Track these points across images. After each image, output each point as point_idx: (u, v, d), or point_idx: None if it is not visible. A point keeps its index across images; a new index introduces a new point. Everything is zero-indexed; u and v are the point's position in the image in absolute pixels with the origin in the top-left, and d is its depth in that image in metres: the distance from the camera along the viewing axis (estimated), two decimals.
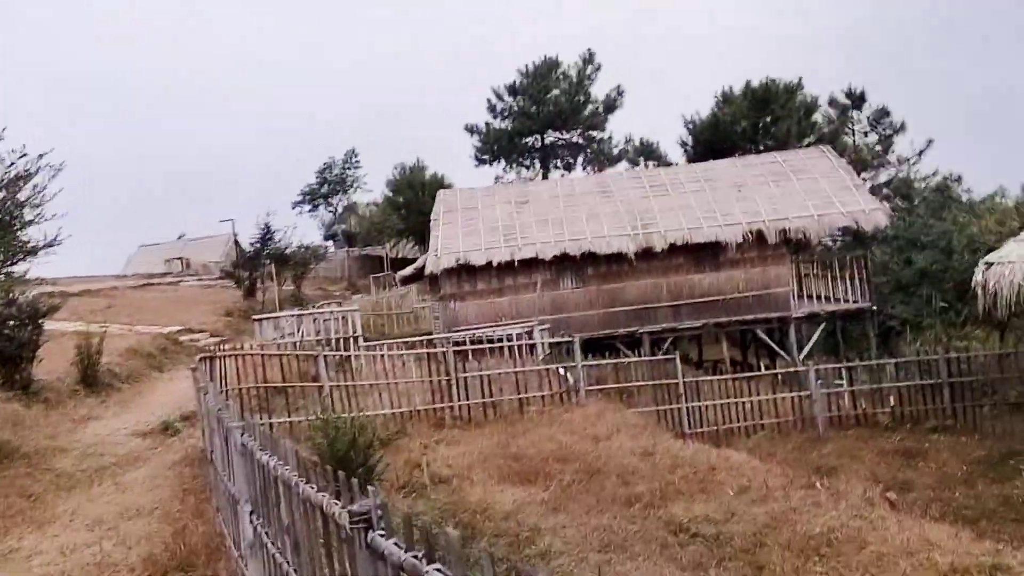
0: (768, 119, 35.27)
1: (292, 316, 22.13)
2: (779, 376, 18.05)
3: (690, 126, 38.47)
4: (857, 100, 38.91)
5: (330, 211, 50.81)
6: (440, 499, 9.93)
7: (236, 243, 64.60)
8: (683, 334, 24.72)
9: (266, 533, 4.57)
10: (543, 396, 15.08)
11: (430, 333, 29.38)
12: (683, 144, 38.74)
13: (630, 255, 23.61)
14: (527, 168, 53.52)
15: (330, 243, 55.75)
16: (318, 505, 3.15)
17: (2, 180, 9.81)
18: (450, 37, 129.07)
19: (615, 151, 51.29)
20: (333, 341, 19.99)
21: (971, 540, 6.79)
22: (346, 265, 51.28)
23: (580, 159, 52.34)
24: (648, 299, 24.14)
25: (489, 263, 23.92)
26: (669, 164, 38.62)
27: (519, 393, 14.87)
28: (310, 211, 50.33)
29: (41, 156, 10.13)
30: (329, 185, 49.44)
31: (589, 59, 50.90)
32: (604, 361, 16.74)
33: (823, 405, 15.97)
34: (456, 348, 14.78)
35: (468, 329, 23.74)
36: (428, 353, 14.59)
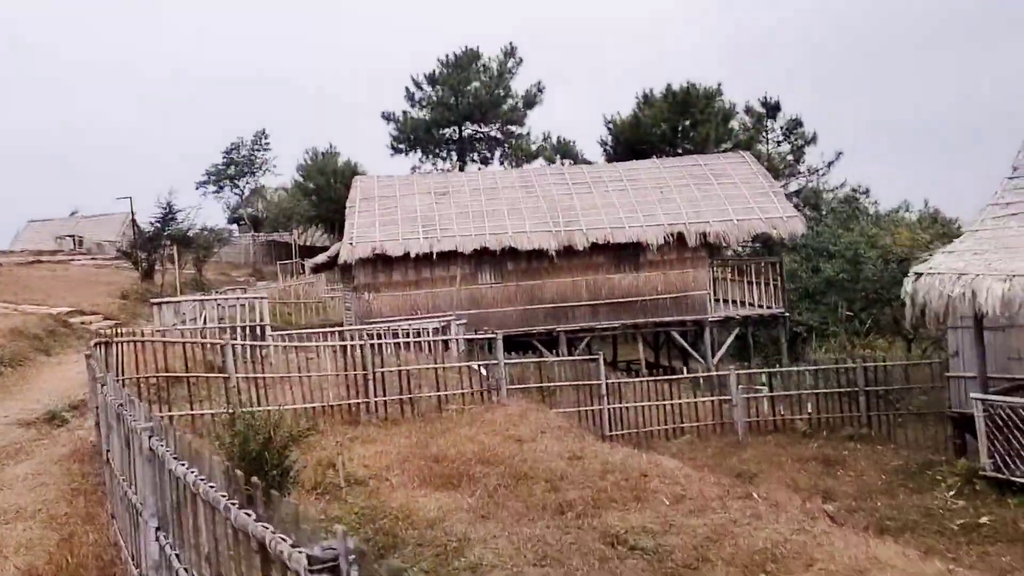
0: (688, 123, 35.59)
1: (194, 301, 20.86)
2: (700, 379, 18.01)
3: (611, 126, 38.49)
4: (772, 109, 39.76)
5: (236, 193, 48.79)
6: (357, 503, 9.26)
7: (133, 222, 61.62)
8: (600, 334, 24.57)
9: (177, 556, 3.87)
10: (463, 394, 14.51)
11: (340, 324, 28.44)
12: (603, 143, 38.78)
13: (551, 252, 23.29)
14: (443, 160, 52.76)
15: (234, 227, 53.62)
16: (259, 539, 2.52)
17: None
18: (374, 25, 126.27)
19: (533, 147, 51.02)
20: (239, 330, 18.89)
21: (919, 558, 6.60)
22: (251, 250, 49.41)
23: (498, 153, 51.95)
24: (567, 297, 23.87)
25: (407, 254, 23.18)
26: (587, 163, 38.55)
27: (438, 390, 14.26)
28: (215, 192, 48.19)
29: None
30: (236, 166, 47.44)
31: (511, 52, 50.56)
32: (527, 360, 16.30)
33: (743, 410, 15.97)
34: (373, 342, 14.03)
35: (382, 321, 22.97)
36: (342, 346, 13.80)
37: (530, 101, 51.10)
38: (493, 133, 51.92)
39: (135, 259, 31.84)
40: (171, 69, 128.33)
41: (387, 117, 51.02)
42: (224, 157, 46.10)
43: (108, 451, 6.62)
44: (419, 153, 51.58)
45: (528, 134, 52.15)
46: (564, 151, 48.72)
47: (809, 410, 16.10)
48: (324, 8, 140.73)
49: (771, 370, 17.39)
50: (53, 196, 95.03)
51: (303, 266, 44.93)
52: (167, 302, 19.74)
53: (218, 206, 46.96)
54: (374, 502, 9.33)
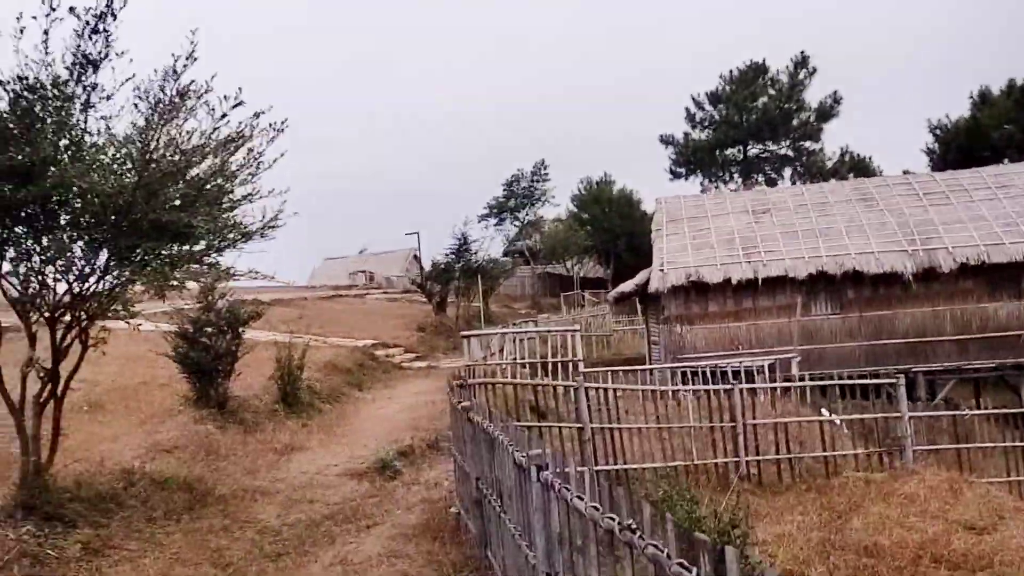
0: None
1: (501, 334, 19.42)
2: None
3: (938, 131, 33.13)
4: None
5: (516, 225, 48.56)
6: None
7: (416, 258, 64.28)
8: (970, 375, 20.01)
9: None
10: (855, 456, 11.32)
11: (640, 359, 26.06)
12: (930, 152, 33.47)
13: (907, 276, 19.28)
14: (725, 183, 49.29)
15: (507, 259, 53.73)
16: None
17: (209, 139, 7.29)
18: (649, 44, 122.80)
19: (829, 164, 46.16)
20: (549, 365, 17.01)
21: None
22: (530, 282, 48.85)
23: (787, 173, 47.64)
24: (925, 331, 19.66)
25: (727, 281, 20.28)
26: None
27: (824, 449, 11.19)
28: (496, 225, 48.30)
29: (258, 115, 7.57)
30: (516, 198, 47.25)
31: (802, 62, 46.20)
32: (941, 413, 12.71)
33: None
34: (742, 386, 11.26)
35: (697, 358, 20.21)
36: (708, 391, 11.17)
37: (825, 113, 46.34)
38: (782, 151, 47.69)
39: (428, 292, 31.68)
40: (445, 112, 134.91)
41: (666, 140, 48.68)
42: (504, 189, 46.07)
43: (488, 535, 4.43)
44: (700, 176, 48.64)
45: (822, 150, 47.39)
46: (859, 168, 43.44)
47: None
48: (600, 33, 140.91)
49: None
50: (341, 236, 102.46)
51: (583, 297, 43.50)
52: (477, 335, 18.35)
53: (497, 238, 47.02)
54: None
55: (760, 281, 20.08)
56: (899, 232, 20.12)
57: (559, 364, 17.03)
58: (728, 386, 11.09)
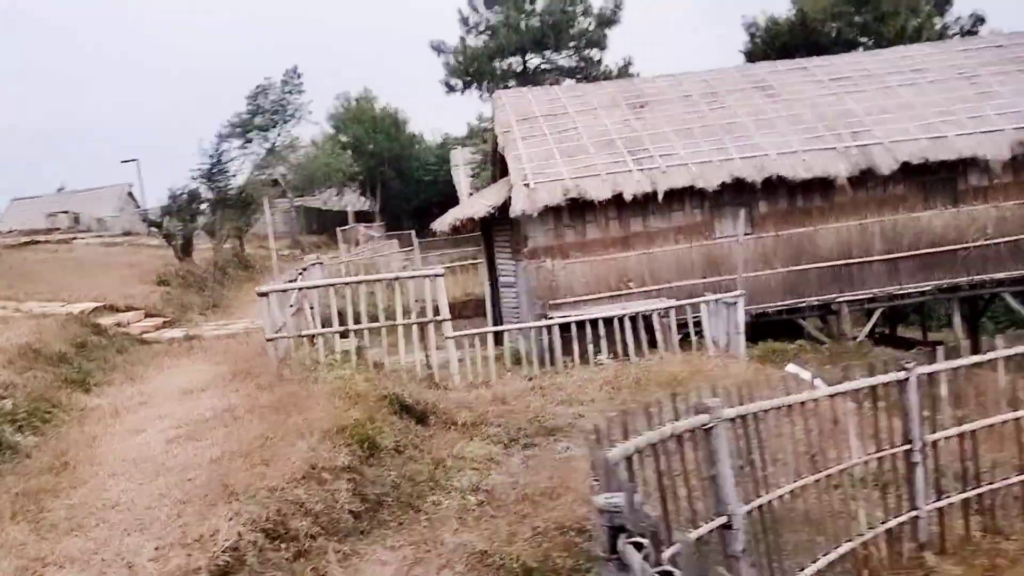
0: (871, 16, 27.17)
1: (309, 286, 12.77)
2: None
3: (754, 30, 29.96)
4: None
5: (265, 148, 40.04)
6: None
7: (131, 195, 52.81)
8: (902, 302, 16.49)
9: None
10: None
11: (474, 309, 20.27)
12: (747, 54, 30.17)
13: (841, 181, 15.09)
14: None
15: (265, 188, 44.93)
16: None
17: None
18: None
19: (613, 76, 42.43)
20: (400, 327, 10.84)
21: None
22: (292, 217, 40.87)
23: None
24: (849, 251, 15.73)
25: (616, 196, 14.94)
26: None
27: None
28: (240, 147, 39.38)
29: None
30: (264, 114, 38.60)
31: None
32: None
33: None
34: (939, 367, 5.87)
35: (576, 303, 14.97)
36: (873, 386, 5.56)
37: (606, 19, 42.32)
38: (563, 61, 43.21)
39: (167, 232, 23.34)
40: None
41: (437, 48, 42.23)
42: (249, 104, 37.16)
43: None
44: (478, 90, 42.93)
45: (599, 61, 43.59)
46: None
47: None
48: None
49: None
50: (35, 177, 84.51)
51: (359, 233, 36.51)
52: (277, 289, 11.43)
53: (247, 163, 38.06)
54: None
55: (660, 196, 14.95)
56: (820, 127, 15.86)
57: (416, 326, 10.93)
58: (902, 371, 5.54)
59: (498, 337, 11.84)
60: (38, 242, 26.55)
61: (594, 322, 11.71)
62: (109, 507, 6.08)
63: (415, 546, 5.91)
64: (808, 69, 17.97)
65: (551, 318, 13.03)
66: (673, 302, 12.51)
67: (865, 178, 15.28)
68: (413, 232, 32.32)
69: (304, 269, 19.68)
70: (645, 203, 15.18)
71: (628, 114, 16.76)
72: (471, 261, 28.89)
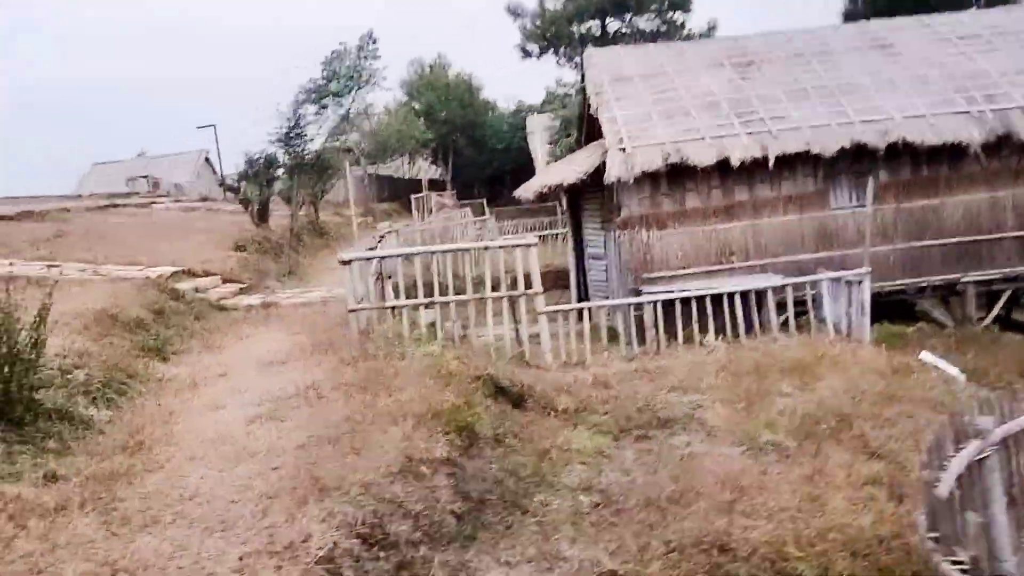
0: None
1: (401, 254, 11.96)
2: None
3: None
4: None
5: (340, 115, 39.65)
6: None
7: (208, 160, 53.16)
8: None
9: None
10: None
11: (557, 280, 19.29)
12: (847, 15, 28.22)
13: (975, 148, 13.58)
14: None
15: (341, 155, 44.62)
16: None
17: None
18: None
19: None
20: (489, 300, 10.00)
21: None
22: (364, 185, 40.41)
23: None
24: (978, 226, 14.23)
25: (723, 161, 13.73)
26: None
27: None
28: (315, 114, 39.08)
29: None
30: (339, 80, 38.15)
31: None
32: None
33: None
34: None
35: (672, 278, 13.88)
36: None
37: None
38: (644, 24, 41.51)
39: (245, 198, 22.94)
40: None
41: (514, 11, 41.01)
42: (324, 70, 36.75)
43: None
44: (555, 56, 41.61)
45: (683, 24, 41.79)
46: None
47: None
48: None
49: None
50: (118, 144, 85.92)
51: (431, 200, 35.85)
52: (360, 258, 10.67)
53: (324, 129, 37.67)
54: None
55: (771, 161, 13.69)
56: (948, 89, 14.32)
57: (506, 299, 10.05)
58: None
59: (580, 313, 10.90)
60: (117, 205, 26.54)
61: (700, 299, 10.67)
62: (187, 498, 5.32)
63: (532, 563, 5.03)
64: (932, 26, 16.34)
65: (644, 292, 12.05)
66: (787, 279, 11.38)
67: (1000, 145, 13.73)
68: (484, 200, 31.51)
69: (382, 237, 19.05)
70: (752, 170, 13.93)
71: (733, 74, 15.46)
72: (548, 231, 27.96)
